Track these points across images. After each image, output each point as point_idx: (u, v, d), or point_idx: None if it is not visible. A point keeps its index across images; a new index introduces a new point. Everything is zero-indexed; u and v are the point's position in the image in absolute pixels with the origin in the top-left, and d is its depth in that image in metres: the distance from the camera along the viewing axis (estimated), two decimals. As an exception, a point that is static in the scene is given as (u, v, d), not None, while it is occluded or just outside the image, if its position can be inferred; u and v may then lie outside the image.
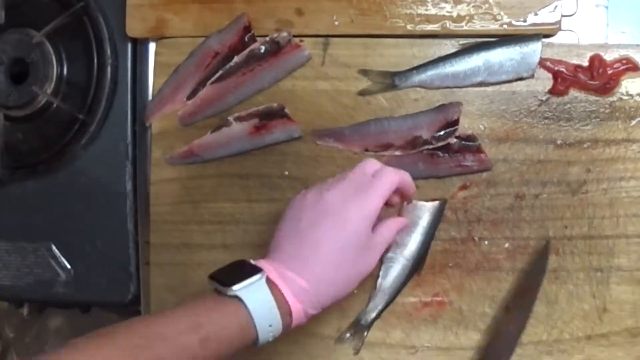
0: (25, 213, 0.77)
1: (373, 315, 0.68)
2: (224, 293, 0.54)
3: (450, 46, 0.68)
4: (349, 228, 0.56)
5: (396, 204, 0.62)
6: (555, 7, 0.66)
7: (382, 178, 0.58)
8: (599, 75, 0.66)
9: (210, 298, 0.55)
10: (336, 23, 0.69)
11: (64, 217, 0.76)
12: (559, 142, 0.67)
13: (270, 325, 0.55)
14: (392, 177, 0.59)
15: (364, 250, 0.57)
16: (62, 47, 0.76)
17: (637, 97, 0.66)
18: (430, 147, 0.67)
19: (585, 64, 0.66)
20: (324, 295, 0.57)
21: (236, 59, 0.71)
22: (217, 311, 0.54)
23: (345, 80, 0.69)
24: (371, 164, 0.60)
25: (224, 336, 0.53)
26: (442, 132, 0.67)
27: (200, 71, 0.72)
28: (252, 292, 0.54)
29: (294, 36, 0.70)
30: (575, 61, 0.66)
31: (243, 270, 0.56)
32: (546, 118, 0.67)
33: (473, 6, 0.67)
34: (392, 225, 0.60)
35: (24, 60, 0.76)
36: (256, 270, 0.55)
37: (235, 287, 0.54)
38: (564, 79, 0.66)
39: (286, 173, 0.71)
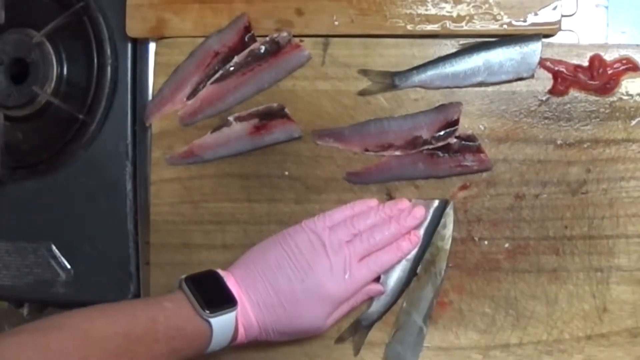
0: (25, 213, 0.77)
1: (375, 317, 0.68)
2: (198, 313, 0.59)
3: (450, 46, 0.68)
4: (310, 279, 0.62)
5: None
6: (555, 7, 0.66)
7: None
8: (599, 75, 0.65)
9: (177, 302, 0.60)
10: (336, 23, 0.69)
11: (64, 217, 0.76)
12: (559, 142, 0.67)
13: (219, 344, 0.61)
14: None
15: (321, 299, 0.63)
16: (62, 47, 0.76)
17: (637, 97, 0.66)
18: (430, 147, 0.67)
19: (585, 64, 0.66)
20: (282, 321, 0.62)
21: (236, 59, 0.71)
22: (180, 318, 0.59)
23: (345, 80, 0.69)
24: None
25: (179, 332, 0.58)
26: (442, 132, 0.67)
27: (200, 71, 0.72)
28: (222, 321, 0.60)
29: (294, 36, 0.70)
30: (575, 61, 0.66)
31: (220, 294, 0.61)
32: (546, 118, 0.67)
33: (473, 6, 0.67)
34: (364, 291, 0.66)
35: (24, 60, 0.76)
36: (232, 301, 0.61)
37: (211, 315, 0.59)
38: (564, 79, 0.66)
39: (286, 173, 0.71)
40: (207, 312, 0.59)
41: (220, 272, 0.64)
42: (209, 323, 0.59)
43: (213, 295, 0.61)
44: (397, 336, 0.68)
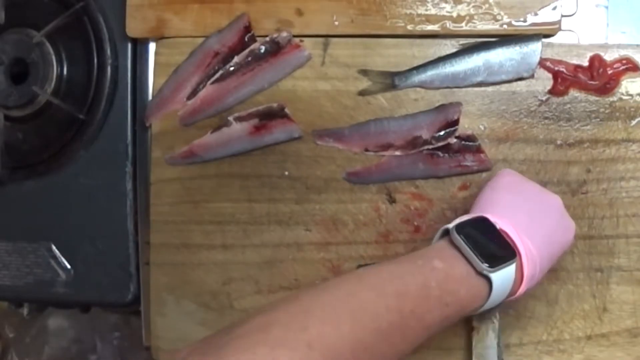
0: (25, 213, 0.77)
1: None
2: (477, 269, 0.50)
3: (450, 46, 0.68)
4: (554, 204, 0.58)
5: None
6: (555, 7, 0.66)
7: None
8: (599, 75, 0.66)
9: (448, 259, 0.51)
10: (336, 23, 0.69)
11: (64, 217, 0.76)
12: (559, 142, 0.67)
13: (492, 304, 0.52)
14: None
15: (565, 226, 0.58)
16: (62, 47, 0.76)
17: (637, 97, 0.66)
18: (430, 147, 0.67)
19: (585, 64, 0.66)
20: (541, 270, 0.55)
21: (236, 59, 0.71)
22: (454, 279, 0.50)
23: (345, 80, 0.69)
24: None
25: (453, 297, 0.50)
26: (442, 132, 0.67)
27: (200, 71, 0.72)
28: (502, 274, 0.51)
29: (294, 36, 0.70)
30: (575, 61, 0.66)
31: (499, 246, 0.52)
32: (546, 118, 0.67)
33: (473, 6, 0.67)
34: None
35: (24, 60, 0.76)
36: (512, 253, 0.52)
37: (492, 271, 0.50)
38: (564, 79, 0.66)
39: (286, 173, 0.71)
40: (487, 266, 0.50)
41: (488, 216, 0.55)
42: (489, 280, 0.50)
43: (489, 244, 0.52)
44: (479, 349, 0.64)
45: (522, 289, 0.53)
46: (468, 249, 0.51)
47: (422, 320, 0.48)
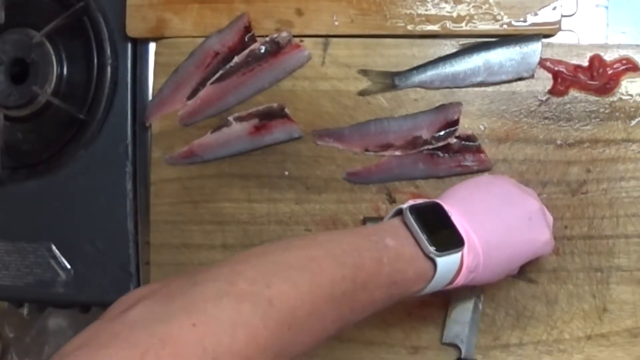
0: (25, 213, 0.77)
1: None
2: (424, 251, 0.51)
3: (450, 46, 0.68)
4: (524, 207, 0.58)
5: None
6: (555, 7, 0.66)
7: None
8: (599, 75, 0.65)
9: (400, 238, 0.52)
10: (336, 23, 0.69)
11: (64, 217, 0.76)
12: (559, 142, 0.67)
13: (432, 289, 0.53)
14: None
15: (530, 229, 0.58)
16: (62, 47, 0.76)
17: (637, 97, 0.66)
18: (430, 147, 0.67)
19: (585, 64, 0.66)
20: (487, 267, 0.55)
21: (236, 59, 0.71)
22: (403, 258, 0.51)
23: (345, 80, 0.69)
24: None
25: (401, 276, 0.51)
26: (442, 132, 0.67)
27: (200, 71, 0.72)
28: (446, 260, 0.52)
29: (294, 36, 0.70)
30: (575, 61, 0.66)
31: (448, 234, 0.53)
32: (546, 118, 0.67)
33: (473, 6, 0.67)
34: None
35: (24, 60, 0.76)
36: (459, 241, 0.53)
37: (438, 255, 0.51)
38: (564, 79, 0.66)
39: (286, 173, 0.71)
40: (434, 249, 0.51)
41: (440, 202, 0.56)
42: (434, 263, 0.52)
43: (439, 230, 0.53)
44: (453, 315, 0.67)
45: (460, 279, 0.54)
46: (418, 231, 0.52)
47: (372, 295, 0.49)
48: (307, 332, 0.45)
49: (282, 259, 0.47)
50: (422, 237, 0.51)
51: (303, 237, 0.52)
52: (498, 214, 0.57)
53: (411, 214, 0.52)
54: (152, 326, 0.39)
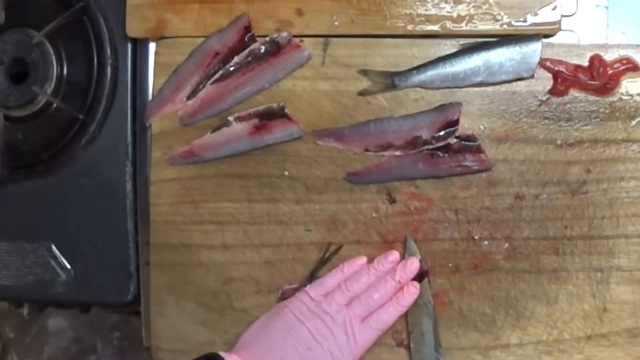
0: (25, 213, 0.77)
1: None
2: None
3: (450, 46, 0.68)
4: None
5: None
6: (555, 7, 0.66)
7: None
8: (599, 75, 0.66)
9: None
10: (336, 23, 0.69)
11: (64, 217, 0.76)
12: (559, 142, 0.67)
13: None
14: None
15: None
16: (62, 47, 0.76)
17: (637, 97, 0.66)
18: (430, 147, 0.67)
19: (585, 64, 0.66)
20: None
21: (236, 59, 0.71)
22: None
23: (345, 80, 0.69)
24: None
25: None
26: (442, 132, 0.67)
27: (200, 71, 0.72)
28: None
29: (294, 36, 0.70)
30: (575, 61, 0.66)
31: None
32: (546, 118, 0.67)
33: (473, 6, 0.67)
34: None
35: (24, 60, 0.76)
36: None
37: None
38: (564, 79, 0.66)
39: (286, 173, 0.71)
40: None
41: (223, 354, 0.62)
42: None
43: None
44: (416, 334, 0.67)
45: None
46: None
47: None
48: None
49: None
50: None
51: None
52: (275, 351, 0.62)
53: None
54: None
